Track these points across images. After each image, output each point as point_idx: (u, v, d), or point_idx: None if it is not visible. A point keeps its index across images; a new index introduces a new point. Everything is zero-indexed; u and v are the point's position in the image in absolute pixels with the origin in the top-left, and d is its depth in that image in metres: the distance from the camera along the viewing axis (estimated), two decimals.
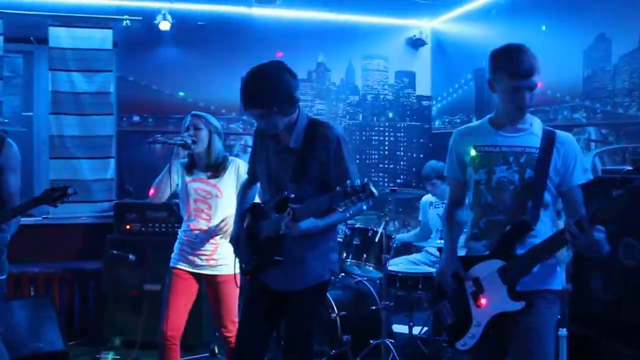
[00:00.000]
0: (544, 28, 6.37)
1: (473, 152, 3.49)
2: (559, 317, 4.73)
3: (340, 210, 3.26)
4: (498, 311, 3.31)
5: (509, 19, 7.04)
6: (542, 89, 6.13)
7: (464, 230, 3.67)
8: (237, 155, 7.71)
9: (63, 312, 6.76)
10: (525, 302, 3.24)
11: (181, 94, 7.72)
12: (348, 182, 3.22)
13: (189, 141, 4.69)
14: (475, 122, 3.68)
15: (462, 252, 3.61)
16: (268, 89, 3.56)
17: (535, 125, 3.43)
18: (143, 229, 6.77)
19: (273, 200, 3.75)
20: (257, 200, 4.24)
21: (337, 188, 3.24)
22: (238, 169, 4.77)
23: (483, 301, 3.38)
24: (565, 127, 5.87)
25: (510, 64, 3.27)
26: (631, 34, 5.43)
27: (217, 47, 7.84)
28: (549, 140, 3.33)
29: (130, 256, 6.37)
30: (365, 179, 3.22)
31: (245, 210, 4.07)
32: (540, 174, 3.29)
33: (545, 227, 3.35)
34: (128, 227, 6.78)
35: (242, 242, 3.98)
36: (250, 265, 3.92)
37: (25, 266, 6.68)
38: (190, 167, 4.87)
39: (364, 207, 3.53)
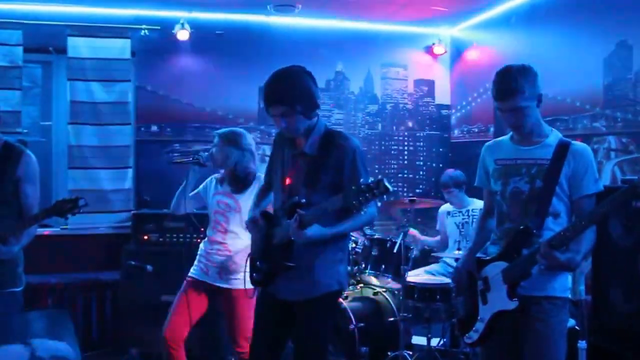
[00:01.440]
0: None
1: (494, 165, 3.70)
2: (573, 325, 4.79)
3: (354, 204, 3.22)
4: (497, 309, 3.50)
5: (528, 27, 6.98)
6: (561, 98, 6.19)
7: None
8: None
9: (80, 323, 6.74)
10: (523, 303, 3.39)
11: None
12: (361, 179, 3.27)
13: (202, 160, 4.79)
14: (501, 137, 3.82)
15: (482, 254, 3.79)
16: (293, 86, 3.62)
17: (551, 137, 3.55)
18: (160, 239, 6.76)
19: (285, 206, 3.72)
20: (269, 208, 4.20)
21: (352, 187, 3.24)
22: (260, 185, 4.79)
23: (488, 299, 3.59)
24: (585, 136, 5.83)
25: (493, 88, 3.50)
26: None
27: (235, 56, 7.82)
28: (561, 151, 3.46)
29: (148, 267, 6.33)
30: (380, 176, 3.19)
31: (259, 213, 4.02)
32: (549, 184, 3.44)
33: None
34: (145, 237, 6.78)
35: (260, 226, 3.92)
36: (260, 274, 3.88)
37: (43, 276, 6.68)
38: (222, 181, 5.00)
39: (379, 204, 3.52)
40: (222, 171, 5.01)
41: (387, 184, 3.17)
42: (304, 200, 3.59)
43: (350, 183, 3.46)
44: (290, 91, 3.60)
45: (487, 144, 3.86)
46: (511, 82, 3.40)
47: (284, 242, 3.69)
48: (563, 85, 6.26)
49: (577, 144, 3.50)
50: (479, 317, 3.62)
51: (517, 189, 3.53)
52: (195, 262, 4.98)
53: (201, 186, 5.09)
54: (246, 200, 4.76)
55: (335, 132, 3.82)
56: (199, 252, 4.99)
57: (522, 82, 3.39)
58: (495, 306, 3.52)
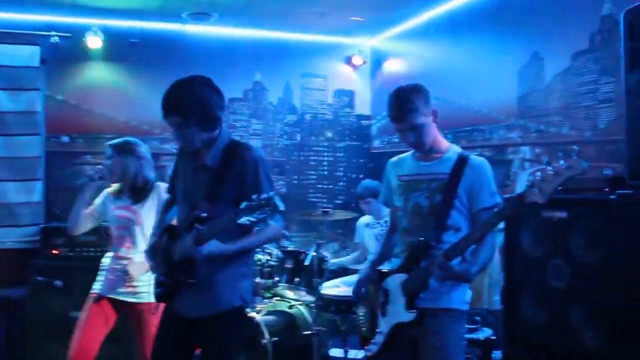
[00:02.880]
0: None
1: (397, 181, 3.72)
2: (489, 335, 4.94)
3: (247, 223, 3.15)
4: (396, 321, 3.51)
5: (446, 38, 7.04)
6: (478, 108, 6.23)
7: None
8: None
9: None
10: (421, 314, 3.39)
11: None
12: (254, 196, 3.14)
13: (92, 174, 4.72)
14: (404, 154, 3.81)
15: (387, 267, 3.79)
16: (189, 99, 3.49)
17: (450, 152, 3.59)
18: (71, 253, 6.53)
19: (186, 220, 3.59)
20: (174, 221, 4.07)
21: (243, 203, 3.14)
22: (159, 193, 4.67)
23: (387, 311, 3.59)
24: (500, 147, 5.89)
25: (388, 110, 3.55)
26: (564, 52, 5.43)
27: (151, 65, 7.66)
28: (459, 166, 3.50)
29: (57, 282, 6.13)
30: (272, 193, 3.10)
31: (163, 228, 3.89)
32: (447, 198, 3.46)
33: None
34: (55, 252, 6.53)
35: (158, 256, 3.78)
36: (163, 289, 3.73)
37: None
38: (119, 194, 4.82)
39: (272, 223, 3.40)
40: (115, 185, 4.85)
41: (277, 202, 3.10)
42: (204, 215, 3.46)
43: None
44: (185, 103, 3.48)
45: (390, 160, 3.87)
46: (406, 102, 3.44)
47: (184, 258, 3.55)
48: (480, 96, 6.36)
49: (475, 158, 3.55)
50: (378, 330, 3.64)
51: (417, 204, 3.55)
52: (99, 278, 4.81)
53: (97, 201, 4.88)
54: (147, 212, 4.68)
55: (239, 143, 3.71)
56: (103, 267, 4.83)
57: (416, 100, 3.44)
58: (394, 318, 3.52)
